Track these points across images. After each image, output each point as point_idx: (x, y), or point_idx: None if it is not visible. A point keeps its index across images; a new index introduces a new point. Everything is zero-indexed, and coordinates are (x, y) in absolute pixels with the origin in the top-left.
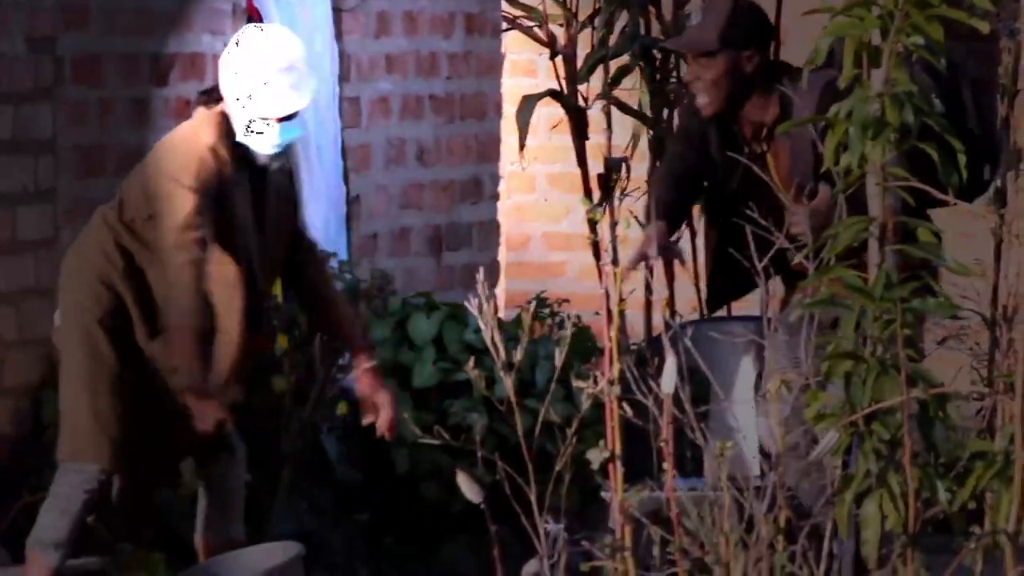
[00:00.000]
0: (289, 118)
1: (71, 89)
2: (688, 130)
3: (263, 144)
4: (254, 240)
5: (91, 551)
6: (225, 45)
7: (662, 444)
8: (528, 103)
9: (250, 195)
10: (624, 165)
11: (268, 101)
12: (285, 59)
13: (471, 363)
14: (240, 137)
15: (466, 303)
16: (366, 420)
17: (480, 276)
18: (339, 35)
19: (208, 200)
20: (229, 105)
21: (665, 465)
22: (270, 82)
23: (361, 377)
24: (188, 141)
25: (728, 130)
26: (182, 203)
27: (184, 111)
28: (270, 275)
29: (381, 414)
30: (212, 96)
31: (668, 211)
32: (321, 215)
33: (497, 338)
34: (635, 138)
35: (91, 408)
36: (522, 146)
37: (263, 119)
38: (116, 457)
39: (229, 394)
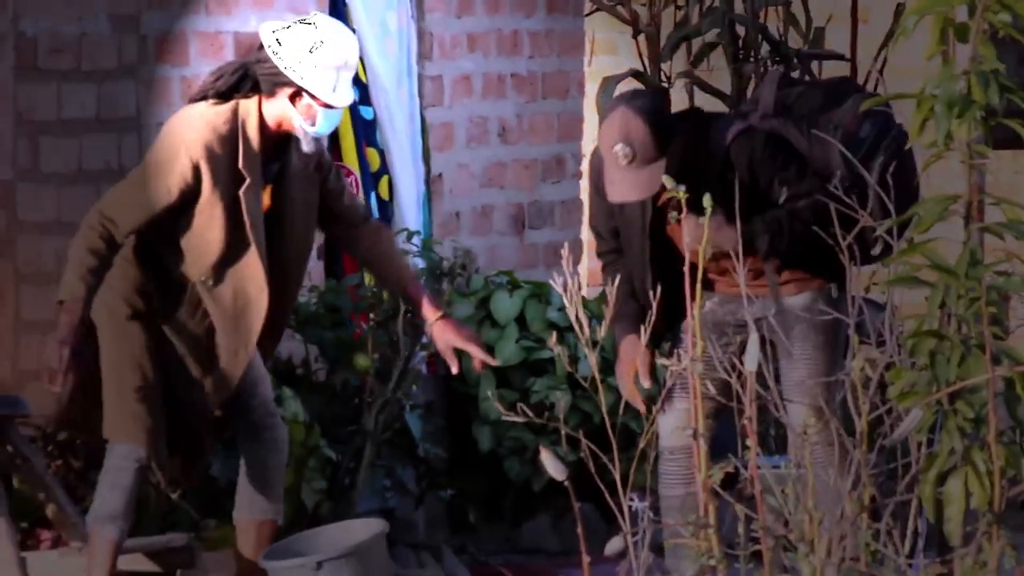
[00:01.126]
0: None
1: (154, 67)
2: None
3: (314, 125)
4: (274, 237)
5: (176, 527)
6: None
7: (746, 422)
8: (609, 84)
9: (270, 191)
10: None
11: (325, 84)
12: (351, 54)
13: (554, 339)
14: (287, 121)
15: (550, 281)
16: (454, 369)
17: (565, 253)
18: (421, 14)
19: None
20: (277, 84)
21: (748, 442)
22: (332, 69)
23: (435, 329)
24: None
25: None
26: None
27: None
28: (294, 271)
29: (472, 353)
30: (238, 86)
31: (635, 322)
32: (412, 193)
33: (582, 315)
34: None
35: (128, 391)
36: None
37: (313, 100)
38: (151, 440)
39: (223, 388)
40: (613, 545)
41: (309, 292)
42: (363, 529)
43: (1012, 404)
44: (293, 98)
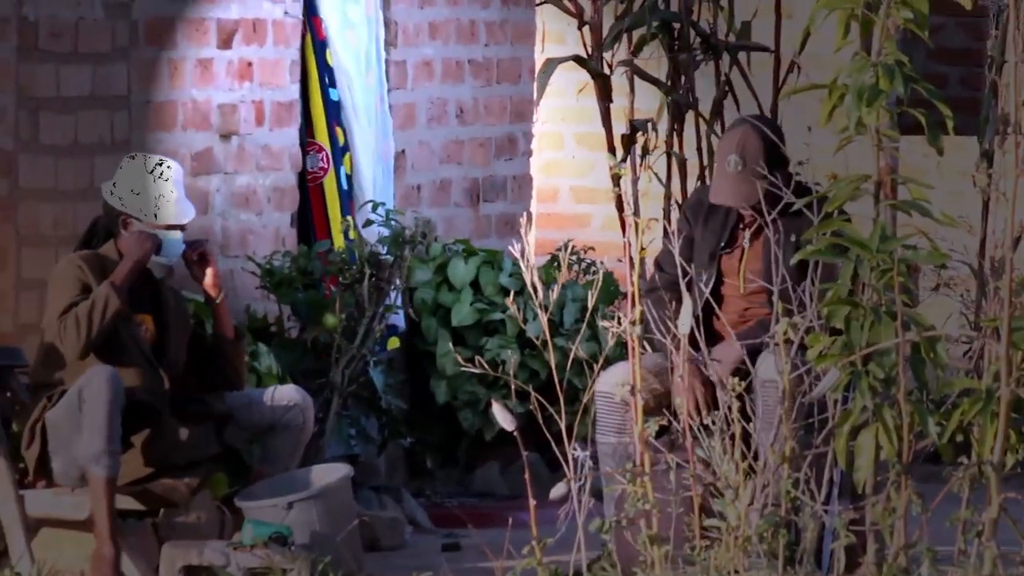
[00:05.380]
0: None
1: (144, 50)
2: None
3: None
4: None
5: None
6: (285, 12)
7: (678, 379)
8: (549, 65)
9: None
10: (649, 126)
11: (170, 211)
12: (168, 180)
13: (511, 300)
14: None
15: (509, 248)
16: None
17: (522, 222)
18: (387, 4)
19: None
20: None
21: (678, 400)
22: (158, 196)
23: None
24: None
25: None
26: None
27: (246, 73)
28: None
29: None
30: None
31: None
32: (370, 168)
33: (536, 279)
34: (662, 103)
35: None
36: (537, 102)
37: (167, 227)
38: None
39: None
40: (557, 491)
41: (283, 256)
42: (330, 473)
43: (919, 366)
44: (125, 227)
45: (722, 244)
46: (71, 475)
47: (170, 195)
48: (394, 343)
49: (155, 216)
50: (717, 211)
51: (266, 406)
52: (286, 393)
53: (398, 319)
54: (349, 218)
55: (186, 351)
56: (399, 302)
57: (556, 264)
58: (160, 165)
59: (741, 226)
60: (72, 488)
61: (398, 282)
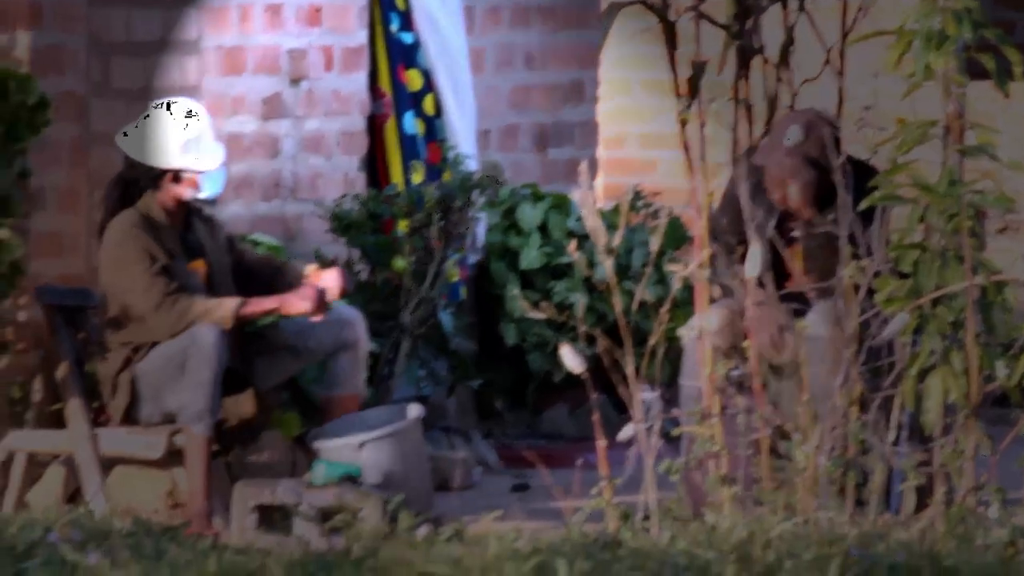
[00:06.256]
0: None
1: None
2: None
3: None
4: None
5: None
6: None
7: (747, 324)
8: (612, 10)
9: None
10: (707, 69)
11: (189, 158)
12: (195, 122)
13: (574, 246)
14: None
15: (570, 193)
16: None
17: (583, 168)
18: None
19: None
20: (155, 178)
21: (748, 341)
22: (189, 143)
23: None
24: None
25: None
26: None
27: (315, 18)
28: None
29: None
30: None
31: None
32: (457, 110)
33: (598, 224)
34: (725, 47)
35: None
36: (600, 48)
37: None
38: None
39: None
40: (625, 432)
41: (352, 200)
42: (401, 413)
43: (986, 309)
44: (175, 179)
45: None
46: (154, 423)
47: (208, 136)
48: (453, 275)
49: (200, 161)
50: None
51: (320, 328)
52: (335, 313)
53: (472, 257)
54: (416, 162)
55: (232, 282)
56: (475, 243)
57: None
58: (190, 110)
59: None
60: (145, 426)
61: (467, 226)
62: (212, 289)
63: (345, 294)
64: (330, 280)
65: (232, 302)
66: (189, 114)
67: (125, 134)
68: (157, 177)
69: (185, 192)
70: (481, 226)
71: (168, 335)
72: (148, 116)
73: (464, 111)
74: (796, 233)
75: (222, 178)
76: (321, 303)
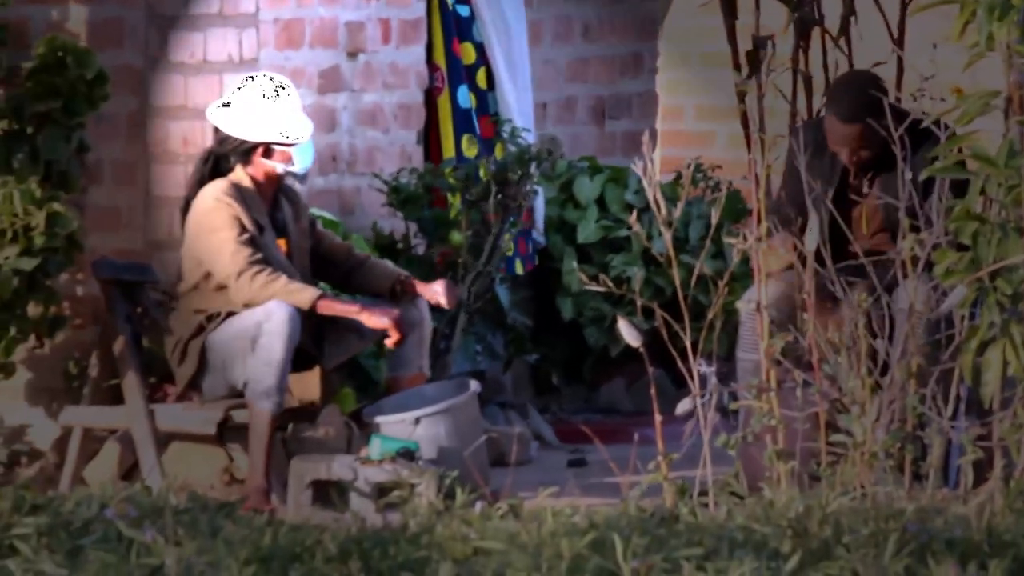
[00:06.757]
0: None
1: None
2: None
3: (295, 164)
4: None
5: None
6: None
7: (805, 296)
8: None
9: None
10: (770, 43)
11: (282, 130)
12: (285, 94)
13: (634, 218)
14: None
15: (631, 165)
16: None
17: (646, 139)
18: None
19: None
20: (247, 152)
21: (806, 315)
22: (280, 115)
23: (424, 291)
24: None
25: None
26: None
27: None
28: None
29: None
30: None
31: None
32: (509, 83)
33: (659, 196)
34: (788, 19)
35: None
36: (663, 20)
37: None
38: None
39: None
40: (683, 406)
41: (409, 174)
42: (457, 388)
43: None
44: (266, 153)
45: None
46: (217, 395)
47: (298, 110)
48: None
49: (290, 136)
50: (823, 153)
51: (384, 306)
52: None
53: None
54: (471, 135)
55: (309, 266)
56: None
57: (680, 181)
58: (280, 84)
59: (853, 173)
60: (201, 402)
61: (524, 200)
62: (288, 271)
63: (455, 307)
64: (442, 292)
65: (312, 292)
66: (279, 88)
67: (217, 107)
68: (248, 151)
69: (277, 166)
70: (540, 203)
71: (244, 305)
72: (239, 90)
73: (518, 85)
74: (865, 190)
75: (312, 152)
76: (400, 327)
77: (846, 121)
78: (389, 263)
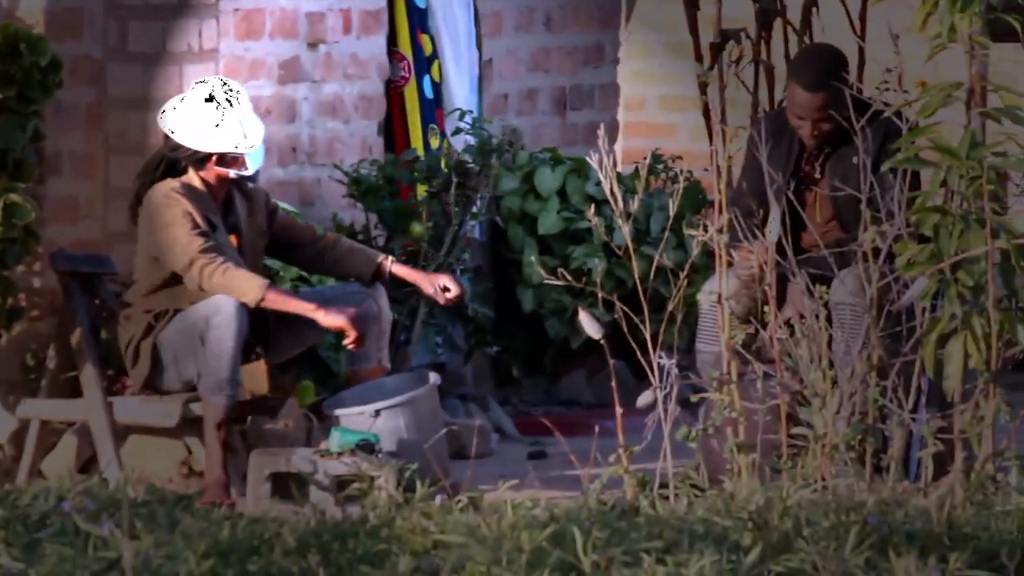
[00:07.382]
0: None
1: None
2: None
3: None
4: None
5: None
6: None
7: (766, 288)
8: None
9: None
10: (744, 35)
11: (235, 138)
12: (239, 103)
13: (592, 211)
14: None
15: (588, 158)
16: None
17: (601, 132)
18: None
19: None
20: (201, 160)
21: (767, 307)
22: (233, 124)
23: (417, 278)
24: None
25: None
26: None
27: None
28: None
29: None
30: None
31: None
32: (458, 76)
33: (616, 189)
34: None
35: None
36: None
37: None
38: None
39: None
40: (644, 398)
41: (370, 165)
42: (417, 381)
43: (1008, 274)
44: (219, 161)
45: (787, 177)
46: (174, 391)
47: (249, 113)
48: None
49: (244, 142)
50: (780, 142)
51: (341, 299)
52: (355, 284)
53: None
54: (433, 126)
55: (263, 264)
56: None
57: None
58: (231, 89)
59: (804, 159)
60: (160, 395)
61: (484, 191)
62: (240, 265)
63: (462, 299)
64: (451, 284)
65: (260, 282)
66: (230, 94)
67: (164, 112)
68: (202, 159)
69: (230, 172)
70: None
71: (196, 294)
72: (188, 97)
73: (465, 80)
74: (817, 175)
75: (263, 152)
76: (359, 328)
77: (809, 89)
78: (367, 249)
